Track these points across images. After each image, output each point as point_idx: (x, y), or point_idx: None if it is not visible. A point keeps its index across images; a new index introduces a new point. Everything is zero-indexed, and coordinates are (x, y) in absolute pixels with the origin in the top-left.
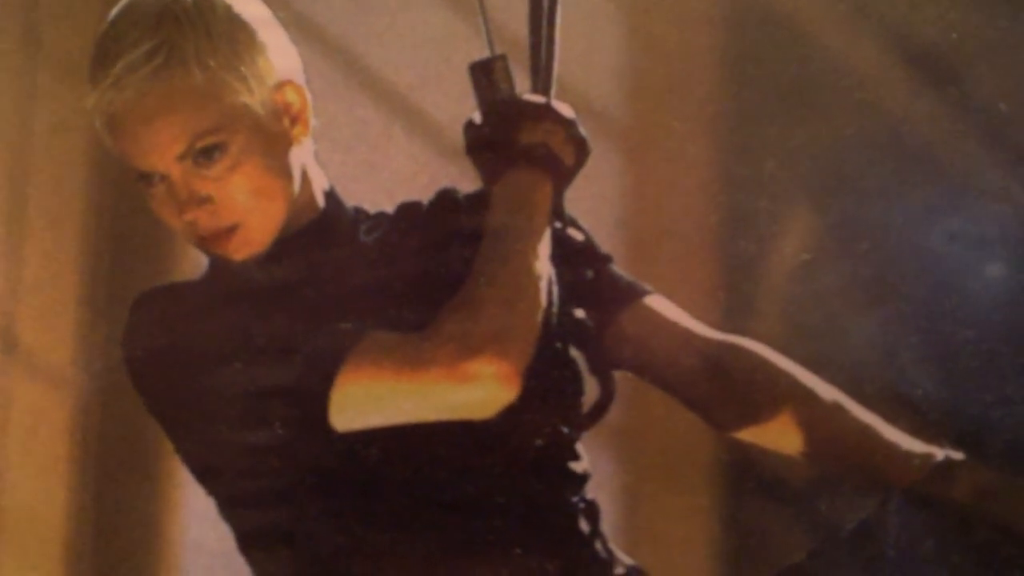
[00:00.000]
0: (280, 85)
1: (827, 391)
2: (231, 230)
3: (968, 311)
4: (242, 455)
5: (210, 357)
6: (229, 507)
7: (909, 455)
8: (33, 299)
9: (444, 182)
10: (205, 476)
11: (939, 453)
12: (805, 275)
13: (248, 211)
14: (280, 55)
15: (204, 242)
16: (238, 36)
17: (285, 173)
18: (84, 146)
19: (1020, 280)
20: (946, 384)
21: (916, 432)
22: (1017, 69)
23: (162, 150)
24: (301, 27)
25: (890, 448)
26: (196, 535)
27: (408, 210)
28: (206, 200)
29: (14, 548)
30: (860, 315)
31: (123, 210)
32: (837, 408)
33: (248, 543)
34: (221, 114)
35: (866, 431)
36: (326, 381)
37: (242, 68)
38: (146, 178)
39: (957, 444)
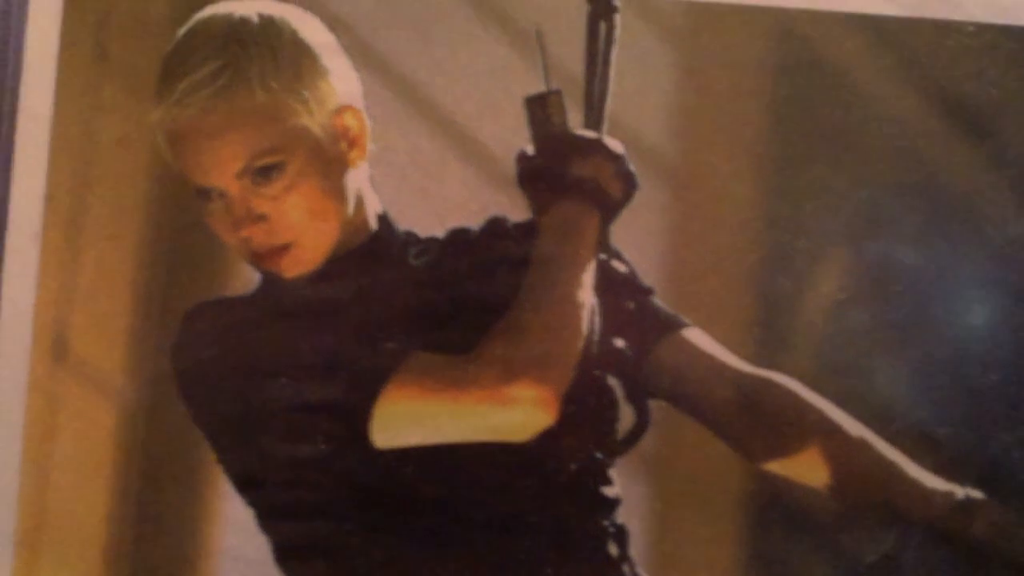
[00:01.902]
0: (340, 110)
1: (854, 427)
2: (285, 248)
3: (994, 355)
4: (284, 468)
5: (257, 371)
6: (268, 518)
7: (931, 492)
8: (86, 308)
9: (495, 210)
10: (246, 487)
11: (960, 492)
12: (839, 314)
13: (302, 230)
14: (341, 80)
15: (257, 258)
16: (302, 60)
17: (340, 195)
18: (146, 160)
19: None
20: (970, 425)
21: (939, 470)
22: None
23: (222, 167)
24: (363, 54)
25: (913, 485)
26: (235, 545)
27: (458, 236)
28: (262, 218)
29: (55, 549)
30: (889, 355)
31: (180, 224)
32: (863, 444)
33: (285, 555)
34: (281, 135)
35: (890, 468)
36: (369, 398)
37: (304, 91)
38: (204, 194)
39: (978, 484)
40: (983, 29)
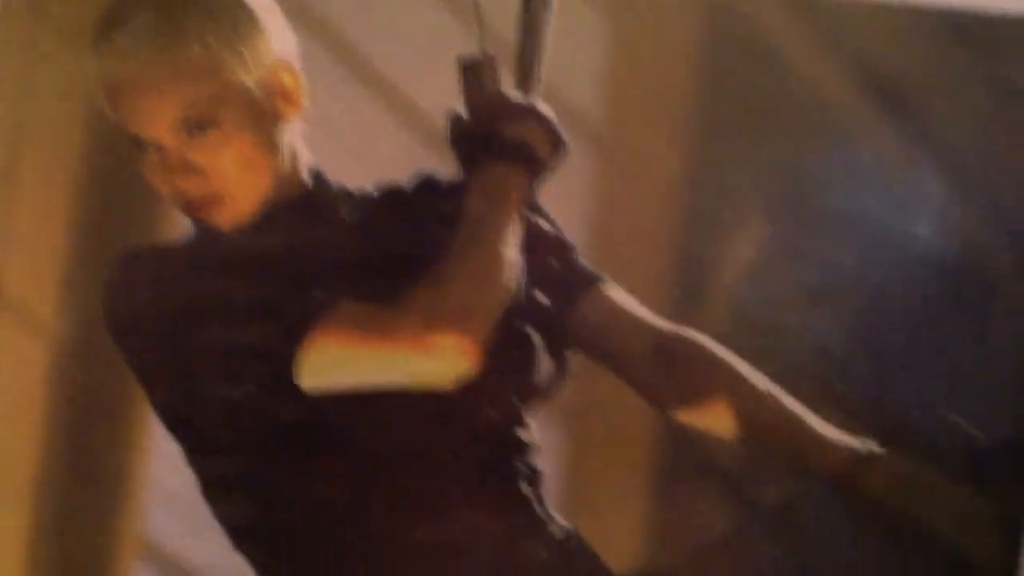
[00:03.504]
0: (276, 67)
1: (763, 382)
2: (219, 199)
3: (899, 320)
4: (213, 408)
5: (189, 316)
6: (195, 454)
7: (834, 446)
8: (23, 253)
9: (426, 169)
10: (175, 426)
11: (861, 445)
12: (754, 278)
13: (236, 183)
14: (278, 39)
15: (191, 209)
16: (239, 17)
17: (274, 150)
18: (83, 109)
19: (948, 296)
20: (874, 383)
21: (842, 425)
22: (968, 102)
23: (158, 120)
24: (299, 14)
25: (817, 438)
26: (162, 477)
27: (390, 192)
28: (196, 170)
29: None
30: (801, 317)
31: (116, 173)
32: (771, 398)
33: (210, 489)
34: (217, 89)
35: (796, 421)
36: (297, 344)
37: (240, 47)
38: (140, 144)
39: (878, 438)
40: (910, 9)
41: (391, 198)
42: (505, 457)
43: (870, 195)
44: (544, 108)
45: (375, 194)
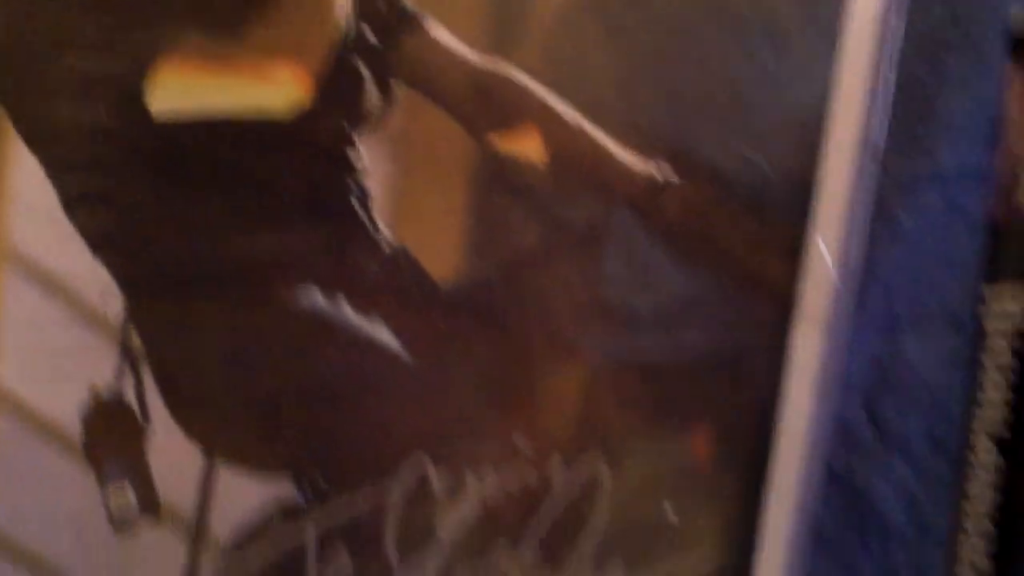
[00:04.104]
0: None
1: (571, 114)
2: None
3: (693, 56)
4: (69, 131)
5: (44, 46)
6: (54, 171)
7: (635, 173)
8: None
9: None
10: (35, 146)
11: (659, 174)
12: (563, 17)
13: None
14: None
15: None
16: None
17: None
18: None
19: (741, 40)
20: (670, 116)
21: (642, 155)
22: None
23: None
24: None
25: (619, 166)
26: (24, 191)
27: None
28: None
29: None
30: (605, 53)
31: None
32: (578, 128)
33: (71, 203)
34: None
35: (601, 150)
36: (144, 72)
37: None
38: None
39: (675, 169)
40: None
41: None
42: (337, 177)
43: None
44: None
45: None
